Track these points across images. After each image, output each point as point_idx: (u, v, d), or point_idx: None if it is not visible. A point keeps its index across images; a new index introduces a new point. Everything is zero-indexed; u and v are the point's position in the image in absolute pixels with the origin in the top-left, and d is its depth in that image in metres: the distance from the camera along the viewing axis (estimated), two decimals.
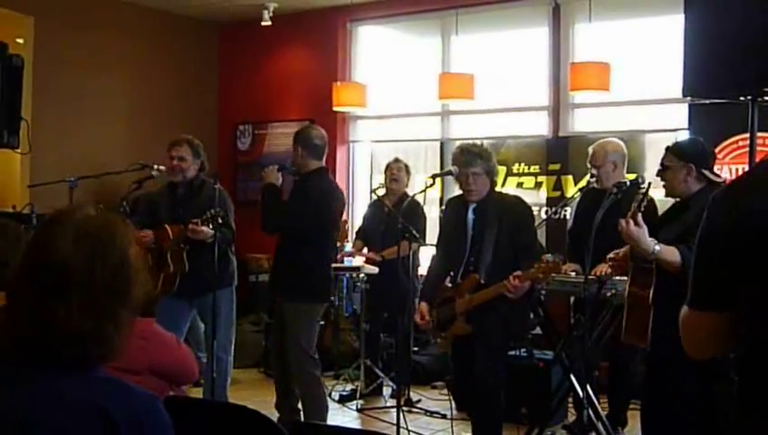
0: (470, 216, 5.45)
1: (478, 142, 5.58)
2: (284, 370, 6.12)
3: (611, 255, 5.08)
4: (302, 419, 6.00)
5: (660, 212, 5.25)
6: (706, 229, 2.06)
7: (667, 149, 4.79)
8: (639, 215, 4.47)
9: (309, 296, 5.98)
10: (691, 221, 4.39)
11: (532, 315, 6.00)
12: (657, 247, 4.35)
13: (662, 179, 4.76)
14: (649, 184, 4.86)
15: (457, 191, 5.68)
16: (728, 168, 6.79)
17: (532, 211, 5.75)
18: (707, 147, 4.99)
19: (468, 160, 5.37)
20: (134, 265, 1.92)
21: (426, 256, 7.80)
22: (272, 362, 6.30)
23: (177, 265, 6.05)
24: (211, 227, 5.89)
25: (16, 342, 1.83)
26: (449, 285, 5.52)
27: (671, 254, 4.33)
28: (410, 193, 7.67)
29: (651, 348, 4.57)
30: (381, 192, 7.60)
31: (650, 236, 4.46)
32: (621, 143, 6.26)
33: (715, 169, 4.90)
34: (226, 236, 6.10)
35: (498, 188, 5.69)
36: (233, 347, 6.39)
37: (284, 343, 6.04)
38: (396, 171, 7.89)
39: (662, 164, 4.75)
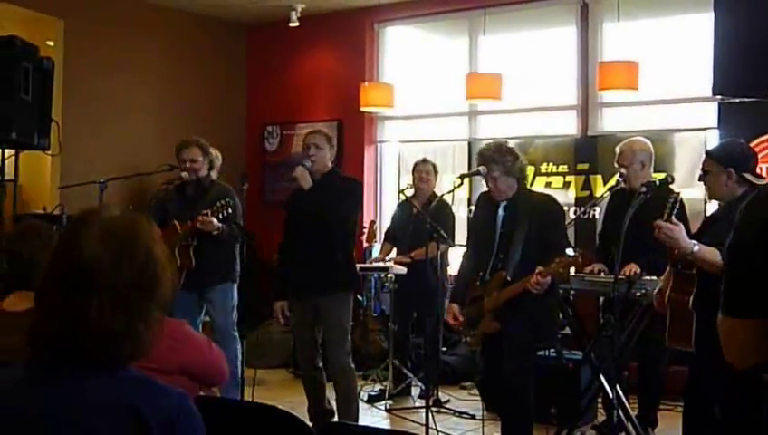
0: (500, 213, 5.43)
1: (493, 142, 5.55)
2: (314, 371, 6.11)
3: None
4: (336, 413, 6.05)
5: (688, 212, 5.24)
6: (734, 238, 2.07)
7: (707, 153, 4.76)
8: (673, 217, 4.44)
9: (347, 285, 6.00)
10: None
11: (561, 316, 5.99)
12: (697, 248, 4.31)
13: (704, 184, 4.73)
14: (667, 182, 4.83)
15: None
16: (758, 167, 6.73)
17: (562, 209, 5.72)
18: (747, 149, 4.93)
19: (488, 163, 5.36)
20: (161, 262, 1.93)
21: (455, 255, 7.79)
22: (302, 364, 6.27)
23: (183, 261, 6.16)
24: (219, 217, 6.05)
25: (47, 342, 1.85)
26: (478, 283, 5.50)
27: (712, 254, 4.27)
28: (438, 193, 7.68)
29: (695, 353, 4.52)
30: (409, 193, 7.58)
31: (690, 238, 4.43)
32: (648, 142, 6.22)
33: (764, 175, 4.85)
34: (234, 231, 6.19)
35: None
36: (238, 343, 6.44)
37: (313, 343, 6.03)
38: (424, 174, 7.86)
39: (702, 169, 4.71)
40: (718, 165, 4.60)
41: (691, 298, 4.45)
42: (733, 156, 4.66)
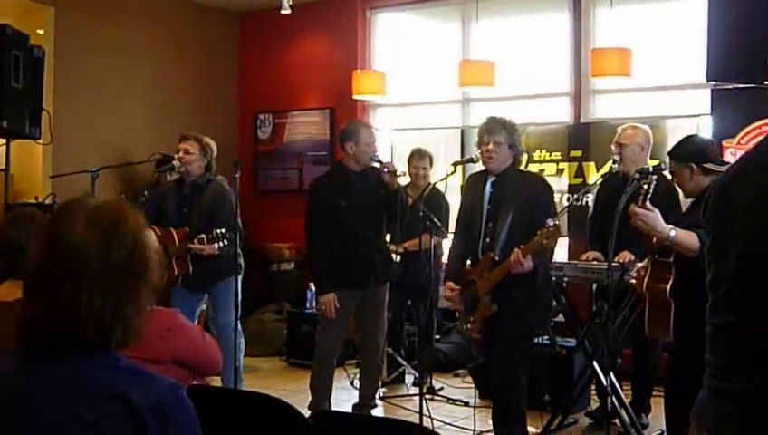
0: (488, 189, 5.40)
1: (507, 117, 5.53)
2: (332, 370, 6.33)
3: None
4: (359, 396, 6.51)
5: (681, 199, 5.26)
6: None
7: (668, 154, 4.82)
8: (648, 202, 4.43)
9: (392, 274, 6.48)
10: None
11: (554, 303, 5.98)
12: (673, 232, 4.31)
13: (677, 185, 4.81)
14: (656, 171, 4.83)
15: None
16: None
17: (551, 190, 5.67)
18: (702, 140, 5.06)
19: (492, 128, 5.37)
20: (149, 246, 1.93)
21: (448, 245, 7.78)
22: (325, 361, 6.33)
23: (181, 268, 6.18)
24: (218, 244, 6.10)
25: (38, 329, 1.84)
26: (468, 266, 5.47)
27: (688, 236, 4.28)
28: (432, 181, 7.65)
29: (675, 341, 4.52)
30: (403, 181, 7.54)
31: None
32: (650, 130, 6.24)
33: (738, 154, 4.87)
34: (232, 241, 6.22)
35: None
36: (240, 335, 6.44)
37: (342, 342, 6.42)
38: (422, 169, 7.71)
39: (670, 171, 4.79)
40: (678, 163, 4.69)
41: (668, 286, 4.46)
42: (688, 151, 4.72)
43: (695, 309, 4.18)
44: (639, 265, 4.98)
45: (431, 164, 7.82)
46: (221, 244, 6.07)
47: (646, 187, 4.45)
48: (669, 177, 4.88)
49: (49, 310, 1.82)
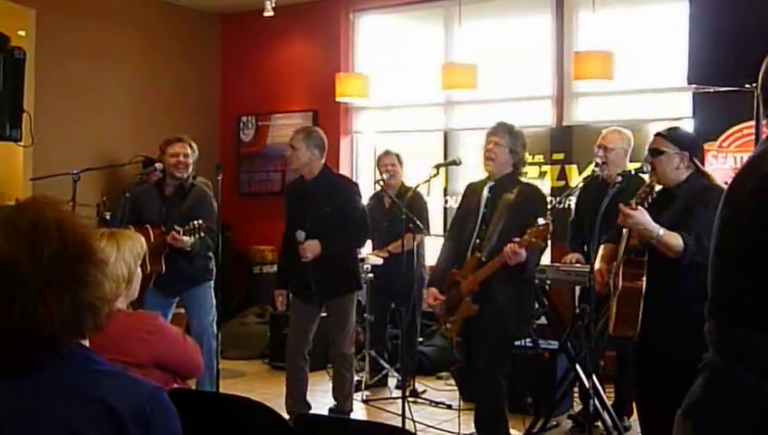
0: (485, 193, 5.44)
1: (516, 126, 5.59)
2: (302, 364, 6.28)
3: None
4: (334, 401, 6.40)
5: None
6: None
7: (662, 135, 4.66)
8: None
9: (354, 286, 6.38)
10: (681, 209, 4.40)
11: (537, 305, 5.99)
12: (662, 232, 4.32)
13: (652, 166, 4.64)
14: (642, 171, 4.85)
15: (463, 180, 5.66)
16: (733, 156, 6.76)
17: (546, 202, 5.73)
18: (696, 135, 5.10)
19: (496, 130, 5.45)
20: (79, 225, 1.87)
21: (430, 246, 7.78)
22: (290, 356, 6.33)
23: (154, 266, 6.11)
24: (192, 237, 6.05)
25: (8, 349, 1.80)
26: (454, 270, 5.47)
27: (674, 238, 4.30)
28: (407, 182, 7.65)
29: (640, 338, 4.52)
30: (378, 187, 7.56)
31: None
32: (631, 134, 6.26)
33: (720, 157, 4.90)
34: (206, 242, 6.21)
35: None
36: (214, 339, 6.43)
37: (305, 337, 6.27)
38: (390, 166, 7.75)
39: (656, 149, 4.62)
40: (674, 147, 4.57)
41: (643, 284, 4.47)
42: (689, 140, 4.70)
43: (668, 305, 4.21)
44: (598, 264, 4.94)
45: (400, 163, 7.83)
46: (196, 236, 6.04)
47: (646, 189, 4.49)
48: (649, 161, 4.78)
49: (10, 329, 1.76)
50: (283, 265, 6.53)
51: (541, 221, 5.01)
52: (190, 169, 6.40)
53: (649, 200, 4.49)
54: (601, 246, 4.88)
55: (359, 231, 6.23)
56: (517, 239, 5.03)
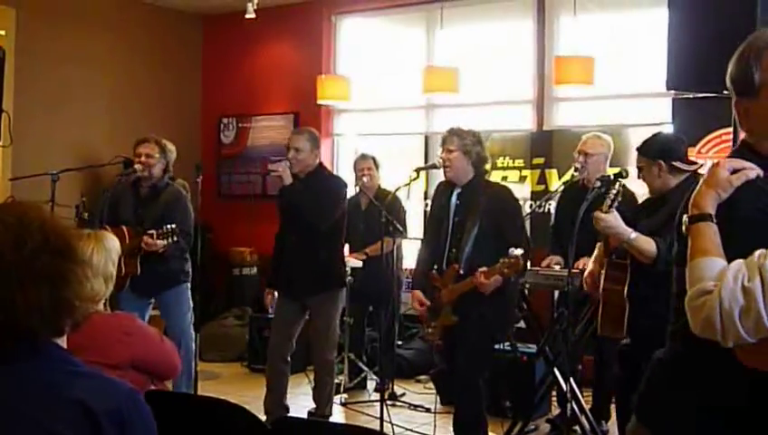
0: (453, 200, 5.42)
1: (464, 126, 5.51)
2: (283, 368, 6.27)
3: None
4: (314, 404, 6.39)
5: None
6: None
7: (637, 149, 4.85)
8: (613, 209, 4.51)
9: (336, 284, 6.36)
10: (668, 214, 4.43)
11: (516, 310, 6.00)
12: (633, 235, 4.40)
13: (643, 181, 4.82)
14: (621, 176, 4.90)
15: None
16: (711, 162, 6.78)
17: (518, 202, 5.70)
18: (672, 138, 5.12)
19: (444, 138, 5.42)
20: (61, 226, 1.89)
21: (409, 248, 7.79)
22: (272, 358, 6.31)
23: (129, 269, 6.10)
24: (166, 241, 6.04)
25: None
26: (435, 273, 5.48)
27: (647, 243, 4.37)
28: (385, 185, 7.66)
29: (629, 341, 4.58)
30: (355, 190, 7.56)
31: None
32: (611, 140, 6.31)
33: (699, 162, 4.93)
34: (180, 245, 6.21)
35: None
36: (191, 340, 6.43)
37: (288, 339, 6.24)
38: (366, 169, 7.76)
39: (637, 166, 4.82)
40: (647, 159, 4.72)
41: (625, 288, 4.52)
42: (658, 148, 4.75)
43: (651, 309, 4.25)
44: (590, 266, 4.99)
45: (376, 166, 7.82)
46: (170, 240, 6.03)
47: (614, 192, 4.53)
48: (636, 174, 4.90)
49: None
50: (275, 265, 6.51)
51: (513, 252, 5.01)
52: (155, 169, 6.35)
53: (617, 202, 4.54)
54: (597, 246, 4.91)
55: (323, 209, 6.13)
56: (484, 269, 5.03)
